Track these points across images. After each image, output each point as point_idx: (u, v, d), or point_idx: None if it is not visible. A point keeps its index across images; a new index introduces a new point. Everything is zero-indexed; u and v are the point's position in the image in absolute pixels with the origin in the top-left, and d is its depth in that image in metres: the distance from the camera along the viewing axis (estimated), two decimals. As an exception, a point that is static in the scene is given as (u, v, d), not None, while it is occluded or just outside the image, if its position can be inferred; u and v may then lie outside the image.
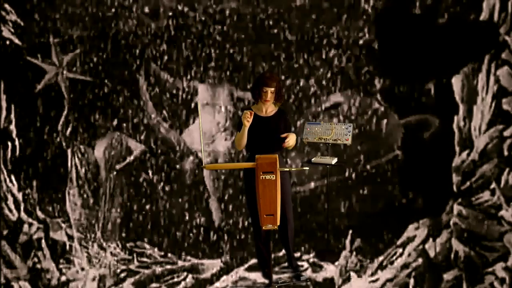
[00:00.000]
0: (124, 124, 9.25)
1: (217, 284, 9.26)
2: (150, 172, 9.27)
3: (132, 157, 9.29)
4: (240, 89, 9.20)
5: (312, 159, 6.58)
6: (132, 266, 9.30)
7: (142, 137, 9.27)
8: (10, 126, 9.26)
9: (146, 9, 9.15)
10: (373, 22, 9.11)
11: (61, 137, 9.26)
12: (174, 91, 9.23)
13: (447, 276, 9.17)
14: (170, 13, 9.17)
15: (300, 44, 9.11)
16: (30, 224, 9.30)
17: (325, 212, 9.18)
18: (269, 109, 6.65)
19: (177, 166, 9.27)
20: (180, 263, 9.29)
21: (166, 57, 9.20)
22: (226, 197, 9.27)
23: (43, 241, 9.30)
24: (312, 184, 9.19)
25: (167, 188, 9.27)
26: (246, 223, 9.21)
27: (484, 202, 9.17)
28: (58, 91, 9.24)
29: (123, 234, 9.29)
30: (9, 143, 9.27)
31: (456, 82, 9.16)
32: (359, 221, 9.21)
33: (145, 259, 9.29)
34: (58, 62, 9.20)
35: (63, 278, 9.30)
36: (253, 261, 9.11)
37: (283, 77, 9.05)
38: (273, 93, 6.55)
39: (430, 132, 9.20)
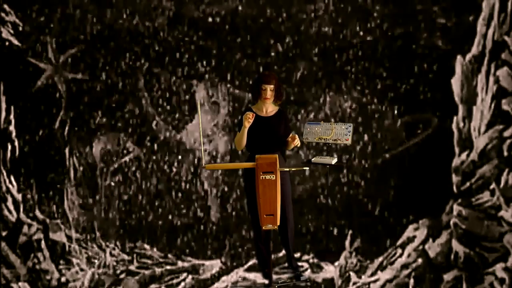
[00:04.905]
0: (122, 124, 9.25)
1: (217, 284, 9.25)
2: (148, 171, 9.28)
3: (130, 157, 9.29)
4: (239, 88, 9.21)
5: (312, 159, 6.56)
6: (132, 267, 9.29)
7: (142, 137, 9.27)
8: (9, 127, 9.25)
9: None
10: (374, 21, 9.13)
11: (60, 138, 9.25)
12: (174, 90, 9.25)
13: (447, 276, 9.17)
14: (170, 13, 9.19)
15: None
16: (30, 225, 9.29)
17: (325, 212, 9.18)
18: (269, 109, 6.65)
19: (177, 166, 9.26)
20: (180, 263, 9.28)
21: (166, 57, 9.22)
22: (225, 197, 9.27)
23: (42, 242, 9.29)
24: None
25: (166, 189, 9.27)
26: (246, 223, 9.20)
27: (484, 202, 9.17)
28: (56, 91, 9.23)
29: (123, 235, 9.30)
30: (9, 144, 9.26)
31: (456, 82, 9.16)
32: (359, 221, 9.20)
33: (145, 260, 9.29)
34: (55, 61, 9.20)
35: (63, 279, 9.29)
36: (253, 261, 9.10)
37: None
38: (272, 91, 6.56)
39: (429, 132, 9.20)
